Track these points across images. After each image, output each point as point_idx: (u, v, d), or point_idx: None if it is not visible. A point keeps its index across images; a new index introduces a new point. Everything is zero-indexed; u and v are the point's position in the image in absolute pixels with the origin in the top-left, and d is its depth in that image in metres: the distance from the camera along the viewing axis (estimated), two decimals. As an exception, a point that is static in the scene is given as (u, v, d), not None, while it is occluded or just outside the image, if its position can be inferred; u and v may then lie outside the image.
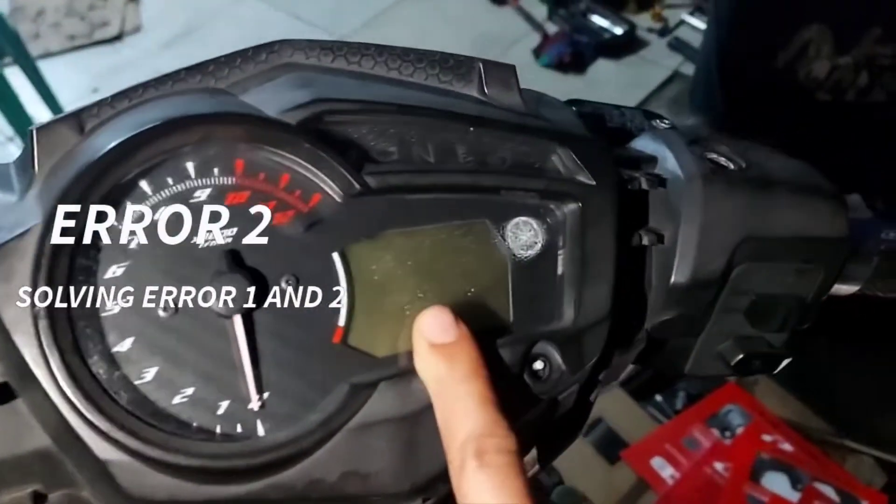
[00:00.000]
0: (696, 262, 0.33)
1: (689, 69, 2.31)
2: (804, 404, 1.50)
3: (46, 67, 2.23)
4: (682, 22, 2.51)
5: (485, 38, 2.58)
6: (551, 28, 2.58)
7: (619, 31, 2.47)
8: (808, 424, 1.47)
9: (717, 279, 0.34)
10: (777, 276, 0.35)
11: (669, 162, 0.35)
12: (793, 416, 1.48)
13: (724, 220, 0.33)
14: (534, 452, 0.33)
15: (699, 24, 2.44)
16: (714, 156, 0.36)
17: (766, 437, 1.42)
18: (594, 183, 0.30)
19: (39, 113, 2.29)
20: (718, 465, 1.38)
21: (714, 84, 1.36)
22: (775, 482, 1.35)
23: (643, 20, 2.55)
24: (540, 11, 2.64)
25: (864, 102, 1.27)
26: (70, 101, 2.28)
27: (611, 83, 2.37)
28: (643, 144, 0.36)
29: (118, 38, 2.81)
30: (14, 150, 2.42)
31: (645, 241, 0.33)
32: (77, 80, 2.59)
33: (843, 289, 0.40)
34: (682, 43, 2.43)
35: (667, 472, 1.38)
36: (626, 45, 2.48)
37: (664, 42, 2.48)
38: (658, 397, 1.53)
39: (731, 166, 0.35)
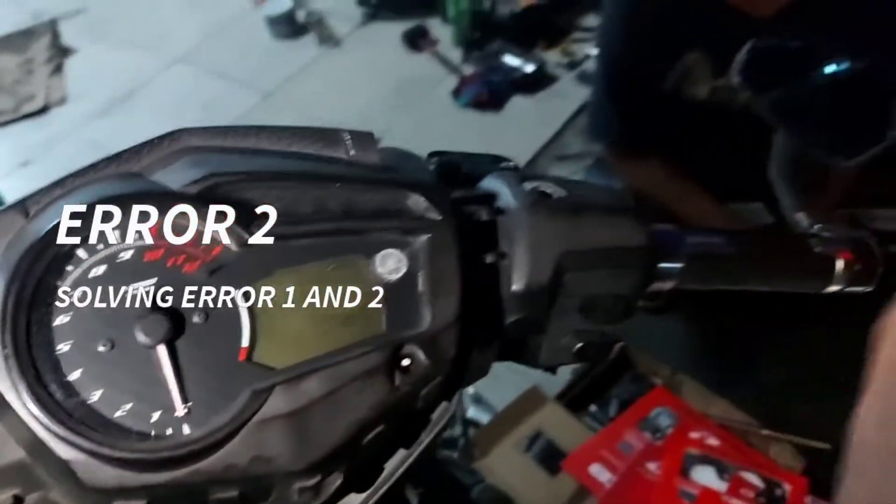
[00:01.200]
0: (528, 273, 0.42)
1: (597, 99, 2.46)
2: (726, 400, 1.61)
3: (-27, 145, 2.25)
4: (587, 56, 2.67)
5: (405, 84, 2.69)
6: (467, 70, 2.72)
7: (530, 68, 2.62)
8: (731, 418, 1.58)
9: (548, 286, 0.43)
10: (597, 279, 0.44)
11: (505, 196, 0.44)
12: (717, 412, 1.58)
13: (546, 238, 0.42)
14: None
15: (603, 56, 2.59)
16: (542, 188, 0.45)
17: (694, 434, 1.52)
18: (440, 218, 0.39)
19: (-30, 191, 2.31)
20: (651, 465, 1.46)
21: (609, 112, 1.48)
22: (703, 475, 1.45)
23: (553, 56, 2.71)
24: (455, 55, 2.78)
25: (746, 118, 1.39)
26: (1, 176, 2.31)
27: (527, 117, 2.51)
28: (487, 183, 0.45)
29: (44, 110, 2.83)
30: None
31: (490, 260, 0.42)
32: (6, 155, 2.61)
33: (662, 285, 0.49)
34: (589, 75, 2.58)
35: (605, 476, 1.46)
36: (539, 81, 2.62)
37: (573, 75, 2.63)
38: (592, 407, 1.62)
39: (555, 195, 0.44)
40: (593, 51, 2.66)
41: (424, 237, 0.39)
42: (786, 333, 1.65)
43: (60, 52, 3.08)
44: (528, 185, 0.45)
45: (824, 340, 1.60)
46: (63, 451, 0.31)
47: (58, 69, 2.99)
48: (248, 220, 0.35)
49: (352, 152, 0.40)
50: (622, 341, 0.50)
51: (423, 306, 0.39)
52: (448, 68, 2.73)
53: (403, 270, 0.39)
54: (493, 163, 0.49)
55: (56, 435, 0.31)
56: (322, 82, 2.78)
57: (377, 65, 2.84)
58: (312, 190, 0.38)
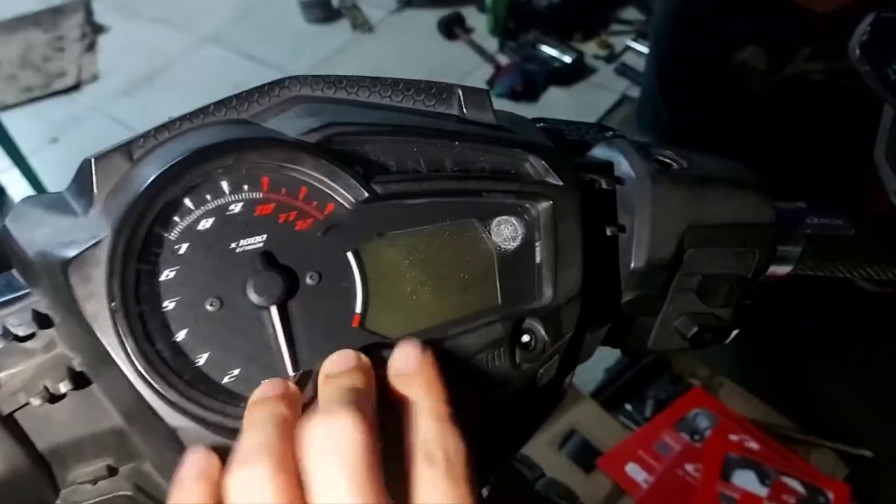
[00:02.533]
0: (650, 248, 0.39)
1: (635, 92, 2.41)
2: (766, 404, 1.57)
3: (2, 120, 2.23)
4: (626, 48, 2.62)
5: (439, 72, 2.66)
6: (502, 59, 2.68)
7: (567, 59, 2.57)
8: (771, 422, 1.54)
9: (669, 262, 0.40)
10: (719, 258, 0.41)
11: (623, 165, 0.40)
12: (757, 416, 1.55)
13: (670, 212, 0.39)
14: None
15: (643, 49, 2.55)
16: (660, 157, 0.41)
17: (733, 437, 1.49)
18: (561, 184, 0.36)
19: (0, 165, 2.30)
20: (689, 467, 1.43)
21: (659, 106, 1.44)
22: (744, 479, 1.41)
23: (590, 48, 2.66)
24: (490, 44, 2.74)
25: (800, 116, 1.35)
26: (30, 152, 2.28)
27: (563, 109, 2.46)
28: (600, 152, 0.42)
29: (76, 87, 2.82)
30: (-26, 203, 2.41)
31: (609, 232, 0.39)
32: (35, 131, 2.60)
33: (778, 269, 0.45)
34: (628, 68, 2.53)
35: (641, 476, 1.43)
36: (575, 73, 2.58)
37: (611, 68, 2.58)
38: (628, 406, 1.59)
39: (675, 166, 0.41)
40: (633, 44, 2.61)
41: (545, 204, 0.36)
42: (829, 338, 1.61)
43: (93, 30, 3.07)
44: (646, 154, 0.42)
45: (869, 346, 1.56)
46: (171, 417, 0.28)
47: (90, 47, 2.98)
48: (366, 176, 0.32)
49: (466, 110, 0.37)
50: (739, 329, 0.48)
51: (542, 279, 0.36)
52: (483, 57, 2.69)
53: (519, 240, 0.36)
54: (599, 132, 0.46)
55: (165, 399, 0.28)
56: (354, 68, 2.75)
57: (411, 52, 2.81)
58: (430, 147, 0.35)
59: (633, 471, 1.44)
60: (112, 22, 3.16)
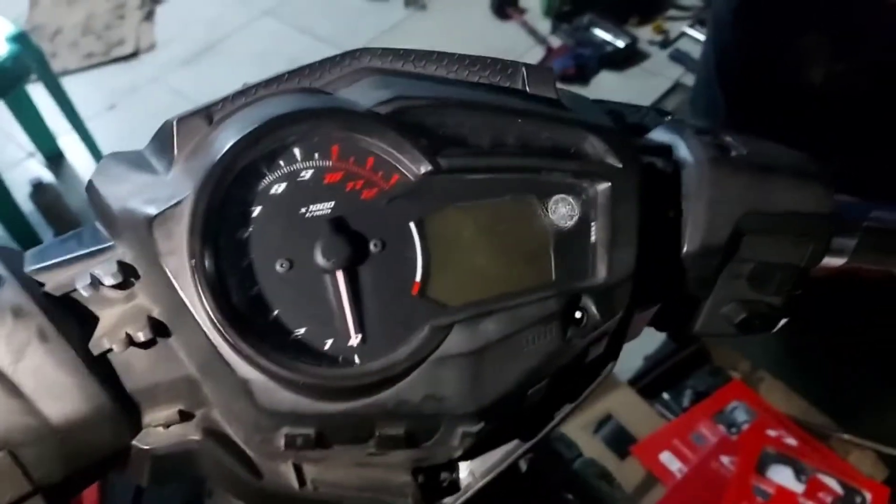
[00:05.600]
0: (705, 232, 0.39)
1: (689, 80, 2.38)
2: (807, 401, 1.55)
3: (64, 85, 2.29)
4: (682, 34, 2.58)
5: (490, 52, 2.64)
6: (555, 42, 2.66)
7: (621, 43, 2.54)
8: (811, 420, 1.52)
9: (723, 247, 0.40)
10: (775, 246, 0.41)
11: (682, 149, 0.41)
12: (796, 413, 1.53)
13: (727, 197, 0.39)
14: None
15: (699, 36, 2.51)
16: (719, 143, 0.42)
17: (771, 432, 1.48)
18: (621, 165, 0.36)
19: (61, 128, 2.37)
20: (725, 459, 1.43)
21: (715, 92, 1.42)
22: (780, 474, 1.41)
23: (645, 33, 2.63)
24: (543, 26, 2.72)
25: (864, 109, 1.32)
26: (88, 118, 2.35)
27: (614, 94, 2.42)
28: (659, 135, 0.43)
29: (134, 55, 2.88)
30: (34, 166, 2.49)
31: (670, 214, 0.39)
32: (94, 97, 2.66)
33: (832, 261, 0.45)
34: (683, 54, 2.50)
35: (675, 466, 1.43)
36: (629, 58, 2.55)
37: (665, 54, 2.55)
38: (665, 395, 1.59)
39: (734, 152, 0.41)
40: (689, 30, 2.57)
41: (603, 185, 0.36)
42: (873, 338, 1.58)
43: (152, -1, 3.13)
44: (706, 138, 0.42)
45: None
46: (243, 369, 0.30)
47: (149, 16, 3.04)
48: (431, 149, 0.33)
49: (530, 87, 0.38)
50: (788, 318, 0.48)
51: (597, 258, 0.36)
52: (535, 39, 2.68)
53: (576, 219, 0.36)
54: (658, 115, 0.46)
55: (238, 351, 0.30)
56: (406, 45, 2.75)
57: (463, 31, 2.80)
58: (494, 122, 0.36)
59: (668, 459, 1.44)
60: (170, -8, 3.22)
